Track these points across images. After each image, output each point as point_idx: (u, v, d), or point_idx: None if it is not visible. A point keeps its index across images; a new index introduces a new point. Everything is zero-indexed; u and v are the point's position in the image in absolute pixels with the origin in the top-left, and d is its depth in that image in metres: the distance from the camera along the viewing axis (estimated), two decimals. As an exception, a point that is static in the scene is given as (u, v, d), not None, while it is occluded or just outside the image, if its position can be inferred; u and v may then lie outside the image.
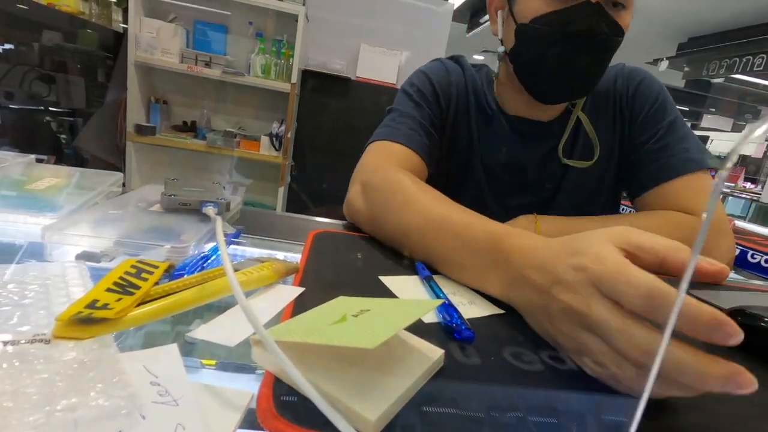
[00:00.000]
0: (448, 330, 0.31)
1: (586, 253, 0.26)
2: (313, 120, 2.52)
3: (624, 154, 0.69)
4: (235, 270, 0.33)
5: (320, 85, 2.47)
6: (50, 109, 1.85)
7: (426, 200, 0.46)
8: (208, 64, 2.23)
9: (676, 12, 4.12)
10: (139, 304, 0.26)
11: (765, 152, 7.71)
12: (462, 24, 4.56)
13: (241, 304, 0.22)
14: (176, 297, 0.26)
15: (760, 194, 4.70)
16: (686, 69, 4.86)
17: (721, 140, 8.43)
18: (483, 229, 0.38)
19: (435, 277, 0.41)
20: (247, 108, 2.48)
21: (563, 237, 0.31)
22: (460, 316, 0.32)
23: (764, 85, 5.08)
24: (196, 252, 0.37)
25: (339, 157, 1.82)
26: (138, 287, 0.27)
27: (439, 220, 0.42)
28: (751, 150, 8.20)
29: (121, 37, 2.16)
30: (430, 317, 0.33)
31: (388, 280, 0.38)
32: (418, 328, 0.31)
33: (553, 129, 0.68)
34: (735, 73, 4.31)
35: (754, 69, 4.06)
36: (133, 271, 0.29)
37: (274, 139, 2.34)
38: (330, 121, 2.52)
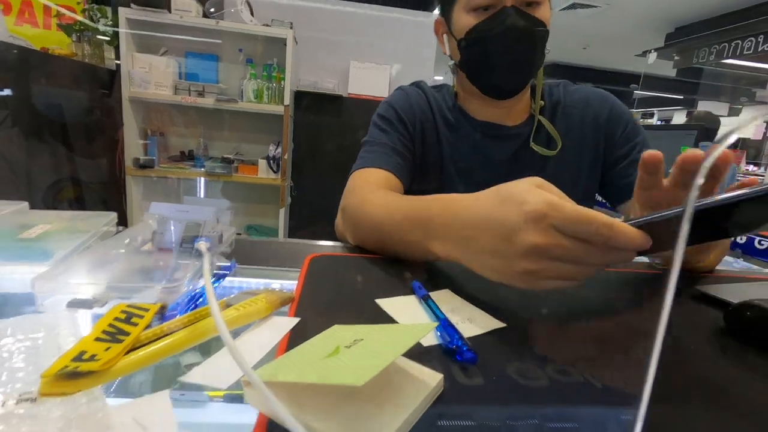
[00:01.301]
0: (449, 352, 0.30)
1: (527, 200, 0.33)
2: (309, 139, 2.54)
3: (606, 168, 0.76)
4: (228, 305, 0.33)
5: (314, 105, 2.50)
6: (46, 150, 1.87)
7: (382, 200, 0.54)
8: (201, 94, 2.26)
9: (661, 3, 4.15)
10: (129, 351, 0.25)
11: (765, 134, 7.68)
12: (449, 33, 4.61)
13: (228, 345, 0.21)
14: (165, 342, 0.25)
15: (763, 176, 4.67)
16: (676, 58, 4.88)
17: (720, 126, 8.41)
18: (420, 203, 0.45)
19: (434, 294, 0.41)
20: (243, 133, 2.50)
21: (488, 191, 0.37)
22: (461, 337, 0.31)
23: (756, 68, 5.09)
24: (191, 288, 0.37)
25: (337, 174, 1.82)
26: (127, 333, 0.26)
27: (391, 210, 0.50)
28: (750, 132, 8.16)
29: (114, 74, 2.19)
30: (430, 339, 0.32)
31: (385, 303, 0.38)
32: (418, 352, 0.31)
33: (520, 130, 0.75)
34: (725, 58, 4.32)
35: (744, 53, 4.07)
36: (123, 316, 0.28)
37: (271, 161, 2.35)
38: (326, 139, 2.54)
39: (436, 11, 3.02)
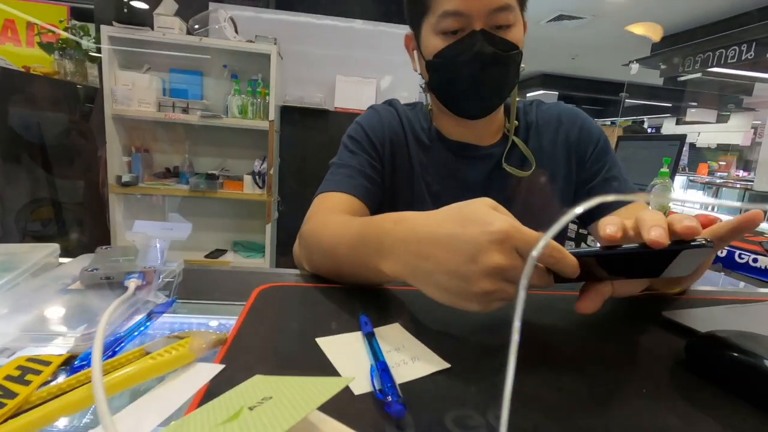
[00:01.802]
0: (379, 402, 0.28)
1: (491, 221, 0.33)
2: (296, 154, 2.52)
3: (577, 187, 0.75)
4: (147, 353, 0.30)
5: (300, 120, 2.49)
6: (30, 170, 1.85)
7: (337, 223, 0.53)
8: (185, 110, 2.24)
9: (646, 14, 4.21)
10: (11, 416, 0.23)
11: (753, 140, 7.75)
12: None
13: (103, 423, 0.19)
14: (40, 411, 0.23)
15: (752, 182, 4.69)
16: (662, 67, 4.94)
17: (708, 132, 8.50)
18: (372, 222, 0.44)
19: (382, 329, 0.39)
20: (228, 149, 2.48)
21: (446, 209, 0.37)
22: (393, 385, 0.28)
23: (741, 75, 5.15)
24: (113, 332, 0.34)
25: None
26: (15, 395, 0.24)
27: (343, 231, 0.48)
28: (739, 139, 8.24)
29: (97, 92, 2.18)
30: (364, 386, 0.30)
31: (325, 342, 0.35)
32: (349, 400, 0.28)
33: (493, 150, 0.73)
34: (711, 67, 4.38)
35: (729, 61, 4.12)
36: (17, 373, 0.26)
37: (257, 177, 2.33)
38: (312, 153, 2.52)
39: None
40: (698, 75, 4.87)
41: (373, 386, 0.29)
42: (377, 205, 0.69)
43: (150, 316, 0.37)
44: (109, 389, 0.26)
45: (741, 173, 5.80)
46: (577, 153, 0.74)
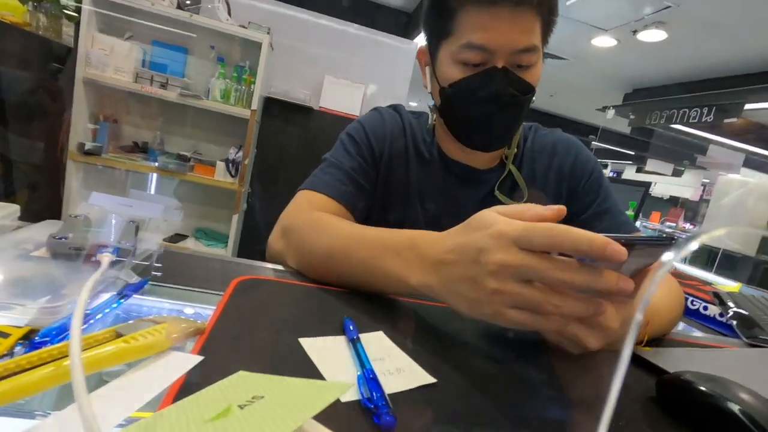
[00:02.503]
0: (368, 411, 0.27)
1: (493, 224, 0.35)
2: (273, 148, 2.47)
3: (567, 219, 0.74)
4: (119, 335, 0.28)
5: (282, 113, 2.45)
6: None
7: (343, 225, 0.53)
8: (164, 85, 2.15)
9: (623, 66, 4.47)
10: (-39, 392, 0.20)
11: (701, 196, 8.33)
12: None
13: (80, 404, 0.17)
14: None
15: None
16: (632, 117, 5.23)
17: (663, 184, 9.07)
18: (396, 234, 0.45)
19: (366, 335, 0.37)
20: (204, 132, 2.40)
21: (456, 227, 0.39)
22: (383, 395, 0.27)
23: (699, 136, 5.55)
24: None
25: (297, 186, 1.76)
26: (-34, 367, 0.21)
27: (358, 236, 0.48)
28: (689, 193, 8.84)
29: (69, 52, 2.05)
30: (350, 393, 0.29)
31: (309, 343, 0.34)
32: (335, 406, 0.27)
33: (491, 175, 0.72)
34: (674, 123, 4.68)
35: (690, 120, 4.43)
36: (-30, 343, 0.23)
37: (230, 165, 2.26)
38: (291, 149, 2.48)
39: (416, 40, 3.08)
40: (662, 129, 5.20)
41: (361, 394, 0.28)
42: (363, 212, 0.68)
43: (121, 296, 0.34)
44: (62, 377, 0.23)
45: (688, 225, 6.23)
46: (569, 184, 0.73)
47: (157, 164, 2.17)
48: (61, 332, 0.27)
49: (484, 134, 0.65)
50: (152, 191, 2.42)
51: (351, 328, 0.37)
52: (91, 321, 0.31)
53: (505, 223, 0.34)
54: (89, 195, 0.66)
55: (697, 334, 0.74)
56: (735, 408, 0.32)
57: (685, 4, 2.66)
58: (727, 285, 1.39)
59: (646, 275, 0.37)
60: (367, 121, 0.72)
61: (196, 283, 0.43)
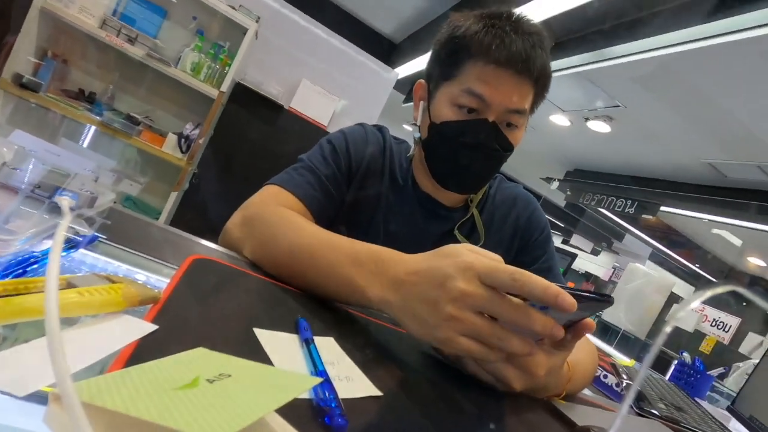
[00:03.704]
0: (319, 411, 0.27)
1: (463, 255, 0.37)
2: (232, 135, 2.39)
3: (517, 266, 0.80)
4: (70, 285, 0.26)
5: (250, 103, 2.38)
6: None
7: (310, 226, 0.53)
8: (132, 41, 2.02)
9: (570, 145, 4.91)
10: None
11: (611, 277, 9.20)
12: (401, 94, 4.88)
13: (51, 341, 0.15)
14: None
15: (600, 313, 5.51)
16: (568, 193, 5.73)
17: (582, 259, 9.95)
18: (365, 247, 0.46)
19: (317, 339, 0.37)
20: (162, 100, 2.27)
21: (424, 253, 0.41)
22: (336, 398, 0.28)
23: (619, 223, 6.20)
24: (26, 248, 0.29)
25: (247, 181, 1.72)
26: None
27: (325, 239, 0.49)
28: (602, 273, 9.76)
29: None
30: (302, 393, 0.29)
31: (263, 335, 0.33)
32: (286, 404, 0.27)
33: (454, 214, 0.75)
34: (601, 207, 5.19)
35: (615, 208, 4.93)
36: None
37: (183, 140, 2.15)
38: (251, 141, 2.41)
39: (397, 69, 3.18)
40: (591, 210, 5.74)
41: (315, 394, 0.28)
42: (326, 222, 0.67)
43: (71, 246, 0.32)
44: (26, 311, 0.21)
45: (595, 301, 6.86)
46: (522, 237, 0.78)
47: (101, 119, 2.00)
48: (7, 268, 0.24)
49: (459, 176, 0.68)
50: (85, 145, 2.22)
51: (305, 328, 0.37)
52: (35, 264, 0.28)
53: (474, 257, 0.37)
54: (11, 132, 0.60)
55: (598, 397, 0.81)
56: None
57: (631, 107, 3.01)
58: (623, 360, 1.54)
59: (575, 330, 0.42)
60: (351, 133, 0.73)
61: (147, 251, 0.41)
